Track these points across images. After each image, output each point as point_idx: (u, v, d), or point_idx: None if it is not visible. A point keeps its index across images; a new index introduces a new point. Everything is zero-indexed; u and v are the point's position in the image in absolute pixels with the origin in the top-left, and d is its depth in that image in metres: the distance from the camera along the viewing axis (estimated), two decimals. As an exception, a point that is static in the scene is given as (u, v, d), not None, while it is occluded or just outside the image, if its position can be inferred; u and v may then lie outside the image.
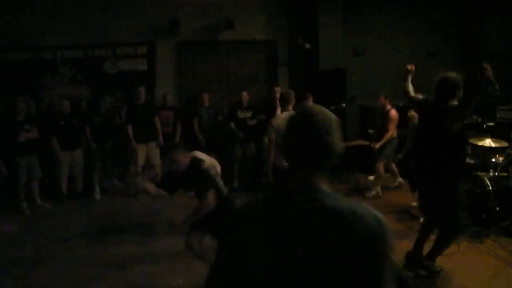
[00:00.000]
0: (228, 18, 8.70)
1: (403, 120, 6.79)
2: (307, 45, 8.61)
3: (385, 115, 7.01)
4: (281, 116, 5.22)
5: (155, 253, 5.25)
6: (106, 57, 9.01)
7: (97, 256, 5.18)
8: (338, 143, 1.41)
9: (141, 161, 7.76)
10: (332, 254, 1.23)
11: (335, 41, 8.56)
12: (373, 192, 7.08)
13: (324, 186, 1.39)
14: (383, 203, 6.65)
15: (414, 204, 5.89)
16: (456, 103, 3.88)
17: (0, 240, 5.75)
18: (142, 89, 7.89)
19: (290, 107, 5.33)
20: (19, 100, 7.19)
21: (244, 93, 8.15)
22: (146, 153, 7.80)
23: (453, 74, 3.99)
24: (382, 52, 9.18)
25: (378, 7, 9.18)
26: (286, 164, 1.47)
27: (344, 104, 7.47)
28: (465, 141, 4.14)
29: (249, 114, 8.11)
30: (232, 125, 8.08)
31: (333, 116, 1.44)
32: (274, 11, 9.11)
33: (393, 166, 7.34)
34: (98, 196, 7.71)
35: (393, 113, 6.98)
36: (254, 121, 8.02)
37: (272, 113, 6.90)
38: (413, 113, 6.23)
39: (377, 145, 6.91)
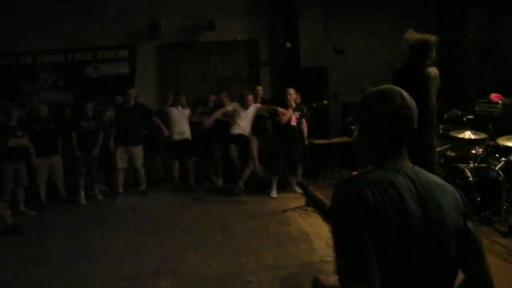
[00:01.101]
0: (208, 19, 8.73)
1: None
2: (288, 44, 8.68)
3: None
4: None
5: (141, 252, 5.26)
6: (87, 61, 8.98)
7: (83, 261, 5.17)
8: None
9: (121, 164, 7.74)
10: (451, 216, 1.42)
11: (316, 39, 8.64)
12: None
13: (409, 161, 1.52)
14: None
15: None
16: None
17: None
18: (132, 92, 7.87)
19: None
20: (12, 106, 7.14)
21: (213, 97, 8.34)
22: (128, 156, 7.77)
23: (427, 35, 4.08)
24: (362, 49, 9.27)
25: (357, 3, 9.27)
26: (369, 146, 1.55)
27: (326, 101, 7.53)
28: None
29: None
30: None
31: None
32: (254, 11, 9.15)
33: None
34: (83, 202, 7.68)
35: None
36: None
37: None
38: None
39: None
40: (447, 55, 9.10)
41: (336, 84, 8.99)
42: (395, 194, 1.35)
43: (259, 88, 8.12)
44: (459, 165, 5.63)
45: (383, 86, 1.53)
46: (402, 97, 1.47)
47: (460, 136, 5.87)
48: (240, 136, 7.60)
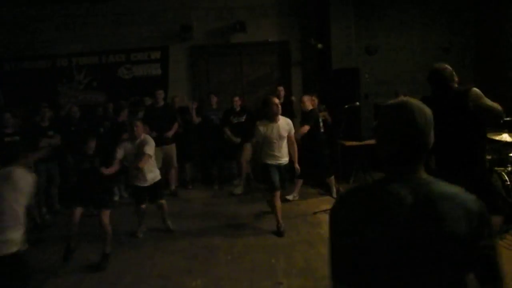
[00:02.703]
0: (240, 20, 8.74)
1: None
2: (320, 45, 8.62)
3: None
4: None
5: (172, 252, 5.29)
6: (121, 62, 9.12)
7: (116, 259, 5.24)
8: (432, 135, 1.49)
9: (158, 163, 7.82)
10: (455, 229, 1.36)
11: (347, 40, 8.55)
12: None
13: (424, 174, 1.48)
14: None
15: None
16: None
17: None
18: (161, 93, 8.04)
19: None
20: (42, 107, 7.32)
21: (236, 98, 8.15)
22: (163, 155, 7.87)
23: (443, 66, 3.94)
24: (395, 50, 9.15)
25: (390, 5, 9.15)
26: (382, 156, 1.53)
27: (358, 103, 7.43)
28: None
29: (242, 118, 8.14)
30: (227, 131, 8.09)
31: (427, 109, 1.50)
32: (285, 12, 9.12)
33: None
34: (116, 198, 7.82)
35: None
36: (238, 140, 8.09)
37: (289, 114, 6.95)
38: None
39: None
40: (485, 53, 8.90)
41: (368, 86, 8.88)
42: (385, 204, 1.41)
43: (280, 88, 8.15)
44: (496, 168, 5.46)
45: (398, 101, 1.54)
46: (412, 111, 1.46)
47: (497, 138, 5.69)
48: None
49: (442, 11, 9.16)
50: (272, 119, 5.72)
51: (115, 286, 4.57)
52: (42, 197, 7.06)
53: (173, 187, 8.20)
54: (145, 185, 5.84)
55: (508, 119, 6.24)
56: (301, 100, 7.28)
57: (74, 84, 9.08)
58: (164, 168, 7.98)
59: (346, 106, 7.11)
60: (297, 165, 6.07)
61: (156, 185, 5.96)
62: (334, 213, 1.52)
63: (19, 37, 8.92)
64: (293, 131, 5.95)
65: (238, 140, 8.01)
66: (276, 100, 5.78)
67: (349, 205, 1.49)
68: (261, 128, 5.73)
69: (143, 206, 5.98)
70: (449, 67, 3.91)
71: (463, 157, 3.83)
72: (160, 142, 7.72)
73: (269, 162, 5.80)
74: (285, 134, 5.78)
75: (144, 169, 5.68)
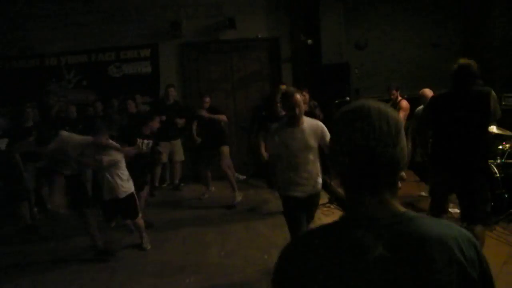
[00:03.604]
0: (229, 17, 8.73)
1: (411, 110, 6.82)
2: (309, 41, 8.63)
3: (397, 105, 7.05)
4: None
5: (165, 249, 5.30)
6: (110, 61, 9.08)
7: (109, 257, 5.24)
8: (403, 147, 1.13)
9: (164, 158, 8.01)
10: (441, 278, 1.03)
11: (337, 35, 8.57)
12: None
13: (398, 205, 1.13)
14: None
15: (424, 193, 5.90)
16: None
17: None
18: (171, 90, 8.20)
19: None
20: (26, 107, 7.27)
21: (206, 99, 7.62)
22: (170, 150, 8.07)
23: (471, 61, 3.95)
24: (384, 45, 9.17)
25: (379, 0, 9.18)
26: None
27: (348, 98, 7.47)
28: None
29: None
30: (193, 128, 7.84)
31: (393, 113, 1.14)
32: (274, 8, 9.12)
33: None
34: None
35: (404, 103, 7.01)
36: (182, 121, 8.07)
37: (273, 114, 6.44)
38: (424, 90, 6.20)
39: None
40: (472, 50, 8.96)
41: (358, 81, 8.92)
42: (342, 259, 1.06)
43: (283, 87, 8.09)
44: (486, 160, 5.52)
45: (356, 103, 1.17)
46: (368, 122, 1.09)
47: (486, 130, 5.74)
48: None
49: (431, 6, 9.19)
50: (293, 121, 3.88)
51: (108, 284, 4.58)
52: (33, 197, 7.03)
53: (176, 181, 8.34)
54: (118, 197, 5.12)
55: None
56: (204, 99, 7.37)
57: (63, 83, 9.03)
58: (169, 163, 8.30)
59: (337, 101, 7.15)
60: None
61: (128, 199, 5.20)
62: (280, 259, 1.20)
63: (7, 35, 8.84)
64: (327, 137, 3.82)
65: (198, 140, 7.73)
66: (299, 97, 3.86)
67: (299, 255, 1.15)
68: (277, 136, 3.90)
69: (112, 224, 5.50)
70: (474, 63, 3.94)
71: (474, 153, 3.89)
72: (166, 137, 7.77)
73: (292, 193, 3.94)
74: (314, 144, 3.88)
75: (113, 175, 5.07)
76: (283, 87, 7.92)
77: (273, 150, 4.04)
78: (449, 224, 1.12)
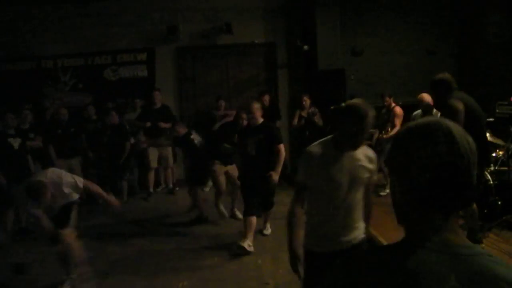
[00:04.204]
0: (226, 22, 8.76)
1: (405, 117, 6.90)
2: (305, 47, 8.66)
3: (391, 111, 7.11)
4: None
5: (159, 254, 5.29)
6: (106, 64, 9.08)
7: (102, 260, 5.22)
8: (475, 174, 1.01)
9: (153, 164, 7.97)
10: None
11: (333, 41, 8.61)
12: (388, 190, 7.01)
13: (462, 238, 1.02)
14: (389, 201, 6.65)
15: None
16: None
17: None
18: (157, 94, 8.09)
19: None
20: (24, 109, 7.27)
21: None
22: (159, 156, 8.02)
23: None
24: (380, 51, 9.23)
25: (375, 7, 9.23)
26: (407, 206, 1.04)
27: (344, 104, 7.48)
28: None
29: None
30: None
31: (469, 137, 1.03)
32: (271, 14, 9.16)
33: None
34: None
35: (398, 109, 7.12)
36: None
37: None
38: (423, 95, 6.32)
39: (388, 135, 6.95)
40: (467, 58, 9.02)
41: (354, 87, 8.96)
42: (408, 284, 0.93)
43: (266, 97, 8.17)
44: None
45: (424, 120, 1.07)
46: (451, 137, 0.99)
47: (480, 138, 5.78)
48: None
49: (426, 13, 9.26)
50: (349, 144, 2.67)
51: (100, 286, 4.56)
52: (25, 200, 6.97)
53: (170, 185, 8.34)
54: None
55: (490, 119, 6.35)
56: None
57: (59, 86, 9.01)
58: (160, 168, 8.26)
59: (332, 107, 7.17)
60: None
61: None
62: (336, 271, 1.06)
63: (3, 37, 8.82)
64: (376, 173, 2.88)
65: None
66: (370, 112, 2.62)
67: (358, 271, 1.01)
68: (318, 162, 2.67)
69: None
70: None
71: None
72: (156, 143, 7.78)
73: (323, 248, 2.72)
74: (364, 176, 2.71)
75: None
76: (267, 97, 8.04)
77: (306, 180, 2.72)
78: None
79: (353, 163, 2.66)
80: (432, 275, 0.93)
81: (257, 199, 5.38)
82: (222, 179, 6.37)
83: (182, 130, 6.52)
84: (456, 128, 1.01)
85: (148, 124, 7.76)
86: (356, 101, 2.81)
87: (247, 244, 5.13)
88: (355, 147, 2.65)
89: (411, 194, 1.02)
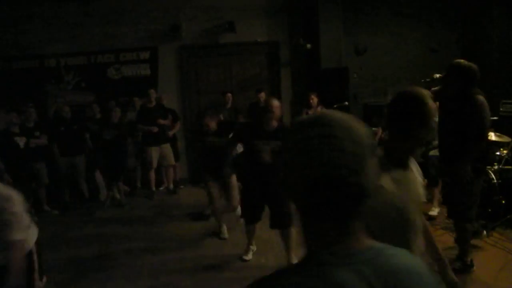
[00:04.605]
0: (229, 20, 8.75)
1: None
2: (308, 45, 8.65)
3: None
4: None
5: (162, 252, 5.30)
6: (109, 63, 9.08)
7: (105, 259, 5.23)
8: (374, 170, 0.95)
9: (154, 162, 7.93)
10: None
11: (336, 40, 8.59)
12: None
13: (371, 241, 0.99)
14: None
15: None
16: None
17: None
18: (153, 92, 8.06)
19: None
20: (29, 107, 7.29)
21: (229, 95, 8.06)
22: (159, 155, 7.96)
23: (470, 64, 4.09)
24: (383, 50, 9.20)
25: (378, 5, 9.21)
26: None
27: (347, 103, 7.48)
28: None
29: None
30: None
31: (360, 127, 0.95)
32: (274, 12, 9.14)
33: None
34: (103, 198, 7.82)
35: None
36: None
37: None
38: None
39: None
40: (471, 56, 8.99)
41: (357, 86, 8.95)
42: None
43: (262, 95, 8.05)
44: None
45: (311, 117, 0.98)
46: (335, 146, 0.90)
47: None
48: None
49: (429, 11, 9.24)
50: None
51: (104, 286, 4.57)
52: (31, 199, 7.02)
53: (171, 185, 8.29)
54: None
55: (494, 118, 6.33)
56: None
57: (62, 84, 9.02)
58: (161, 167, 8.18)
59: (335, 106, 7.16)
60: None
61: None
62: None
63: (6, 36, 8.84)
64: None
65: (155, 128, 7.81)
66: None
67: None
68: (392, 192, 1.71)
69: None
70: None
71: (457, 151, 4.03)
72: (156, 141, 7.77)
73: None
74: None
75: None
76: (262, 95, 7.96)
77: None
78: (411, 255, 1.03)
79: (415, 183, 1.96)
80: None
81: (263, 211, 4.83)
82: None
83: (211, 123, 5.65)
84: (339, 124, 0.92)
85: (156, 129, 7.73)
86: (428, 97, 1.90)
87: (250, 256, 5.07)
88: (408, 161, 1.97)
89: (298, 204, 0.97)
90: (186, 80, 9.23)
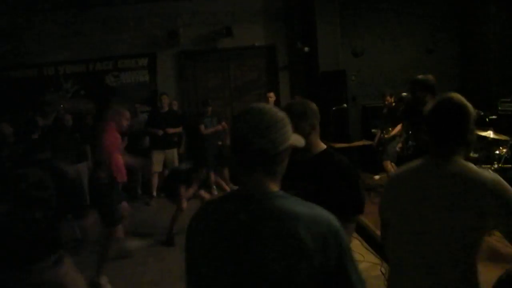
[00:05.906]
0: (226, 26, 8.77)
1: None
2: (306, 48, 8.68)
3: (392, 111, 7.10)
4: None
5: (164, 257, 5.29)
6: (108, 70, 9.10)
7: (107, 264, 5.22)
8: (280, 145, 1.30)
9: (157, 167, 7.90)
10: (294, 255, 1.20)
11: (334, 43, 8.61)
12: None
13: (275, 189, 1.33)
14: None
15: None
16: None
17: None
18: (165, 97, 8.01)
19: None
20: (34, 116, 7.30)
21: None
22: (164, 159, 7.94)
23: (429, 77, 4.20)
24: (381, 52, 9.23)
25: (375, 7, 9.24)
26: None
27: (345, 105, 7.51)
28: None
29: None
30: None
31: (278, 114, 1.33)
32: (271, 16, 9.17)
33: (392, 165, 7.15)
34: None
35: None
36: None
37: None
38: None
39: (391, 134, 6.91)
40: (469, 55, 9.02)
41: (355, 88, 8.98)
42: (212, 225, 1.34)
43: (271, 95, 8.16)
44: (483, 166, 5.52)
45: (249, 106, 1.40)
46: (247, 119, 1.31)
47: (483, 134, 5.75)
48: None
49: (426, 12, 9.26)
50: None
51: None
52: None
53: None
54: None
55: (493, 117, 6.35)
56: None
57: (61, 92, 9.04)
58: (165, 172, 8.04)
59: (334, 108, 7.18)
60: None
61: None
62: (190, 221, 1.49)
63: (5, 45, 8.86)
64: None
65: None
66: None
67: (196, 218, 1.46)
68: (405, 191, 1.95)
69: None
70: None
71: None
72: (163, 145, 7.77)
73: None
74: None
75: None
76: (271, 95, 7.99)
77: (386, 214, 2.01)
78: (313, 206, 1.29)
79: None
80: (225, 214, 1.30)
81: None
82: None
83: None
84: (257, 110, 1.32)
85: (161, 132, 7.73)
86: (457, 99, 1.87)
87: None
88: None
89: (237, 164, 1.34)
90: (185, 86, 9.25)
